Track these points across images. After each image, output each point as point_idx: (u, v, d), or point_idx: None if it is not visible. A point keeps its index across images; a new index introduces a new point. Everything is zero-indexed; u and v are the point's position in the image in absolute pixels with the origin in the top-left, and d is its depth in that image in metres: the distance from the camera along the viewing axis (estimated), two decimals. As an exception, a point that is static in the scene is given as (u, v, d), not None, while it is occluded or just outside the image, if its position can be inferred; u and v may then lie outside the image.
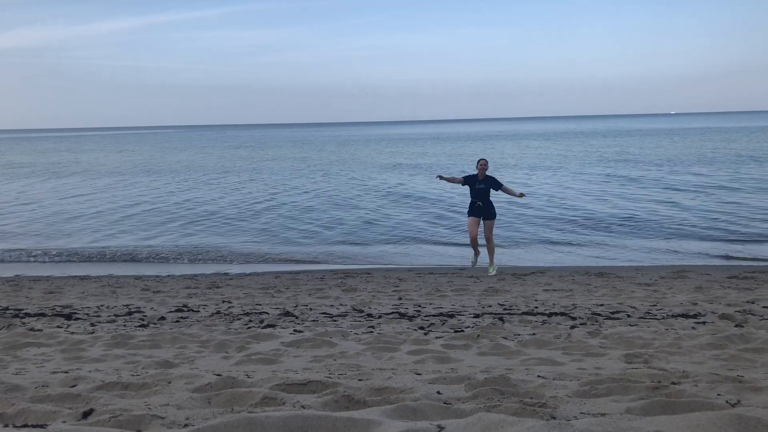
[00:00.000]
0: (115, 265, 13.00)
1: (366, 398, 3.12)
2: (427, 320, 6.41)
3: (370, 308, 7.40)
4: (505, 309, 7.16)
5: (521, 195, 11.02)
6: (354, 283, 9.77)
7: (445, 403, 3.02)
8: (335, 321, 6.51)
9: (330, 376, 3.85)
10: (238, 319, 6.70)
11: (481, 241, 10.96)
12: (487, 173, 10.82)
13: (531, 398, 3.09)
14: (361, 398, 3.11)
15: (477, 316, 6.67)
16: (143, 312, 7.38)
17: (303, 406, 2.99)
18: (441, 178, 11.26)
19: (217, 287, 9.69)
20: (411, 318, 6.60)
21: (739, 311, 6.53)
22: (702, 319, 6.13)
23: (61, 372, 4.14)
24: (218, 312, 7.28)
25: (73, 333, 5.95)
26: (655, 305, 7.22)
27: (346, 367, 4.29)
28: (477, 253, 11.21)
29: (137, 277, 11.02)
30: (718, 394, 3.10)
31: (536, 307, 7.22)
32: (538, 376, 3.77)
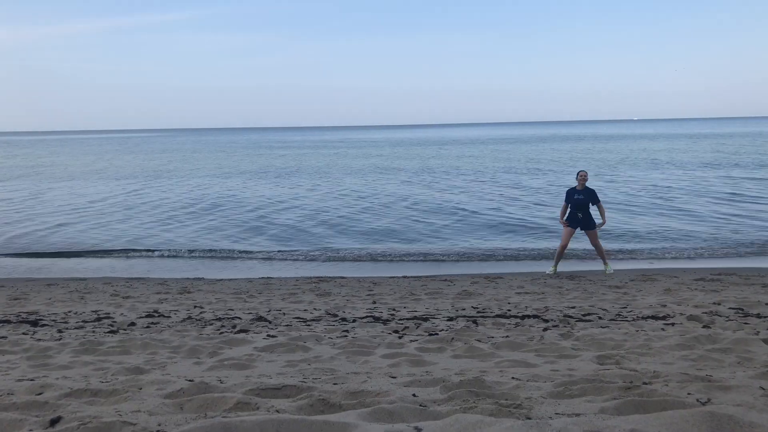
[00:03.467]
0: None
1: (341, 402, 3.10)
2: (402, 324, 6.40)
3: (344, 312, 7.36)
4: (478, 312, 7.20)
5: None
6: (328, 288, 9.72)
7: (420, 405, 3.01)
8: (309, 325, 6.47)
9: (304, 380, 3.81)
10: (210, 325, 6.61)
11: None
12: None
13: (506, 399, 3.11)
14: (336, 402, 3.09)
15: (451, 319, 6.69)
16: (112, 318, 7.24)
17: (278, 411, 2.96)
18: None
19: (189, 292, 9.55)
20: (385, 322, 6.59)
21: (706, 312, 6.67)
22: (671, 321, 6.24)
23: (27, 380, 4.03)
24: (190, 317, 7.18)
25: (39, 340, 5.80)
26: (626, 307, 7.33)
27: (321, 371, 4.26)
28: None
29: (106, 282, 10.81)
30: (689, 393, 3.15)
31: (509, 310, 7.27)
32: (512, 377, 3.79)
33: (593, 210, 11.08)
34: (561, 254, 11.21)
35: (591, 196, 10.95)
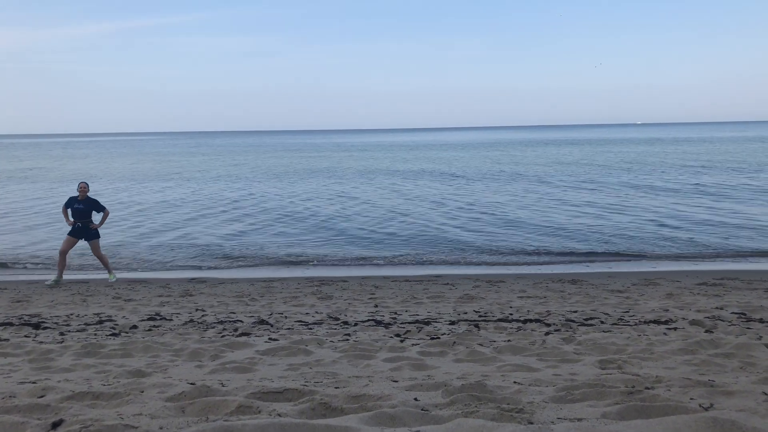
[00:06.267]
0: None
1: (343, 406, 3.10)
2: (403, 327, 6.40)
3: (345, 316, 7.36)
4: (480, 316, 7.19)
5: None
6: (329, 291, 9.72)
7: (422, 409, 3.01)
8: (311, 329, 6.46)
9: (306, 384, 3.82)
10: (212, 328, 6.61)
11: None
12: None
13: (508, 404, 3.10)
14: (338, 406, 3.08)
15: (453, 323, 6.69)
16: (114, 320, 7.24)
17: (279, 414, 2.96)
18: None
19: (190, 295, 9.55)
20: (387, 325, 6.59)
21: (708, 317, 6.65)
22: (673, 325, 6.22)
23: (29, 382, 4.04)
24: (191, 320, 7.18)
25: (41, 342, 5.81)
26: (628, 312, 7.32)
27: (323, 374, 4.26)
28: None
29: (108, 285, 10.82)
30: (691, 399, 3.15)
31: (511, 314, 7.26)
32: (514, 382, 3.79)
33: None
34: (62, 261, 11.23)
35: (92, 206, 11.35)
